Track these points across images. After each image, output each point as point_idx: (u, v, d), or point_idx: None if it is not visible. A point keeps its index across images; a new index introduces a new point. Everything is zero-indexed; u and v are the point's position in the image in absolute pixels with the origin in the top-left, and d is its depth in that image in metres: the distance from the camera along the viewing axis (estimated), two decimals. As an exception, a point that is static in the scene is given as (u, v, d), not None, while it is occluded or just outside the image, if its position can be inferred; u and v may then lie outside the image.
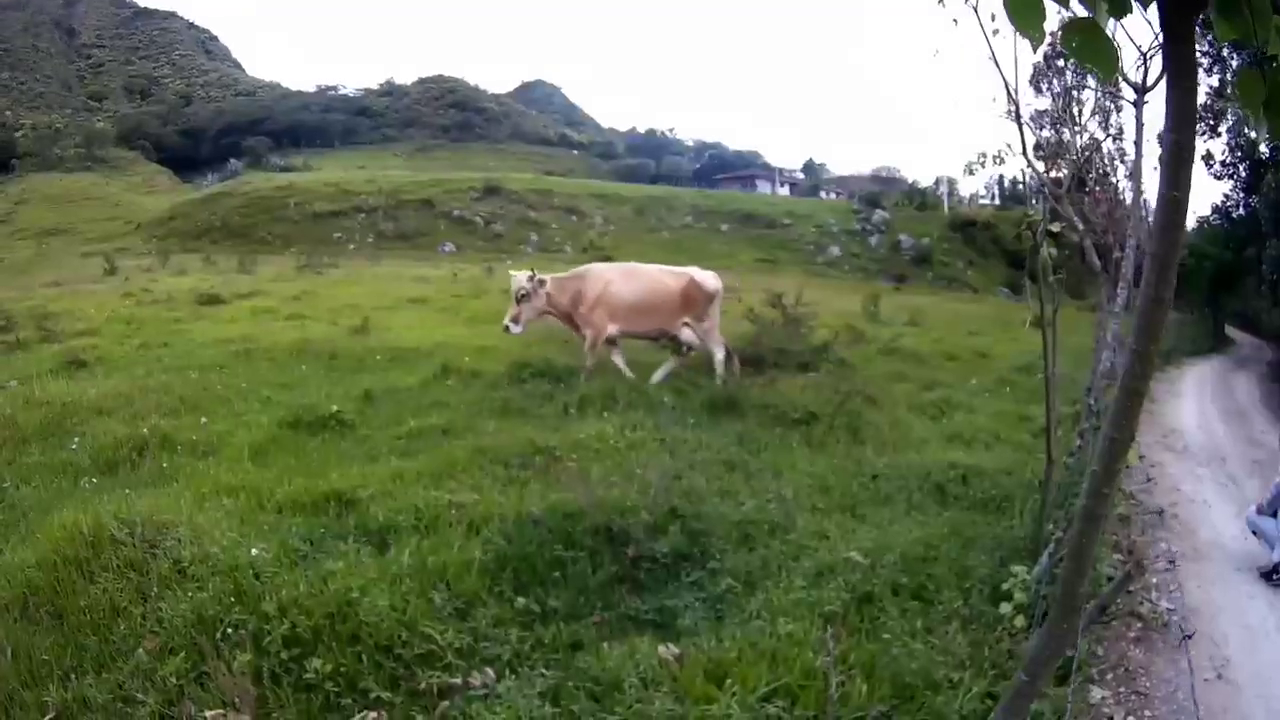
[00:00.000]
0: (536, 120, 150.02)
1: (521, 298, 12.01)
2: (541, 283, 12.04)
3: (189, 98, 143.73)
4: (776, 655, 4.69)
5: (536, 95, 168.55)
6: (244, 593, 5.12)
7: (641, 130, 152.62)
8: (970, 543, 6.13)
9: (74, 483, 8.10)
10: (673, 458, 7.57)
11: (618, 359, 12.57)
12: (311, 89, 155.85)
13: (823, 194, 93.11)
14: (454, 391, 11.41)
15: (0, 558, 6.29)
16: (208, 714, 4.32)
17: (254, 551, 5.58)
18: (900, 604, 5.24)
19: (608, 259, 52.01)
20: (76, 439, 9.32)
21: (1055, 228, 6.43)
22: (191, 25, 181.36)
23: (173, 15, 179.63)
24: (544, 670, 4.73)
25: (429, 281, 31.09)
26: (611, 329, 12.31)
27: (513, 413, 10.17)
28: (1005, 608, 5.22)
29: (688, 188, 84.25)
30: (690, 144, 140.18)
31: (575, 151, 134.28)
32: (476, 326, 18.83)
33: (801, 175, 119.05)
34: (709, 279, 12.93)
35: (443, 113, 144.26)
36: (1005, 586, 5.39)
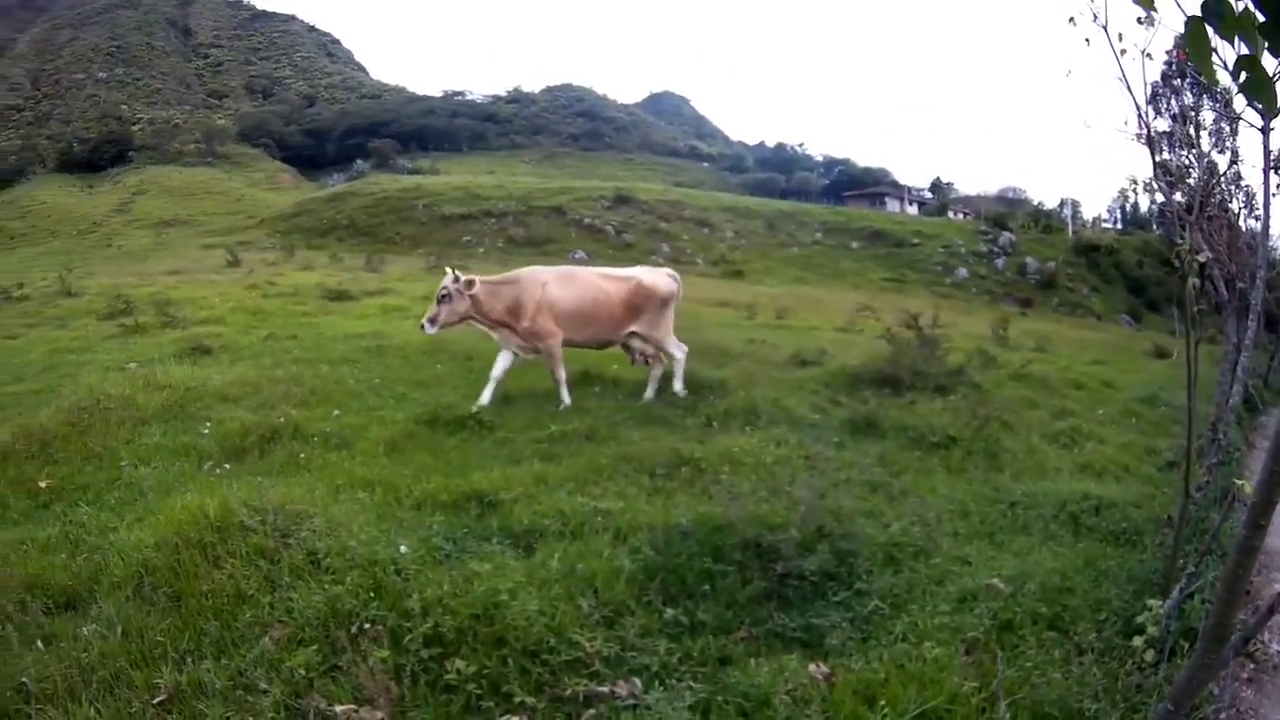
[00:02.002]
0: (665, 131, 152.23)
1: (442, 298, 11.57)
2: (470, 284, 11.56)
3: (312, 99, 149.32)
4: (924, 678, 4.66)
5: (665, 106, 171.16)
6: (384, 588, 5.19)
7: (770, 144, 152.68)
8: (1104, 575, 6.03)
9: (197, 466, 8.42)
10: (819, 476, 7.45)
11: (498, 370, 11.87)
12: (437, 94, 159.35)
13: (950, 213, 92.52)
14: (594, 397, 11.63)
15: (114, 535, 6.58)
16: (338, 708, 4.36)
17: (403, 549, 5.70)
18: (1038, 633, 5.19)
19: (739, 273, 53.24)
20: (208, 424, 9.71)
21: (1202, 257, 6.09)
22: (312, 28, 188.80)
23: (292, 18, 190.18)
24: (692, 683, 4.71)
25: None
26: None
27: (654, 422, 10.23)
28: (1137, 641, 5.14)
29: (817, 204, 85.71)
30: (819, 159, 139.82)
31: (704, 164, 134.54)
32: None
33: (929, 194, 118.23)
34: (660, 281, 12.42)
35: (571, 121, 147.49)
36: (1139, 620, 5.30)
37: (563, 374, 11.57)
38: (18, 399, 12.73)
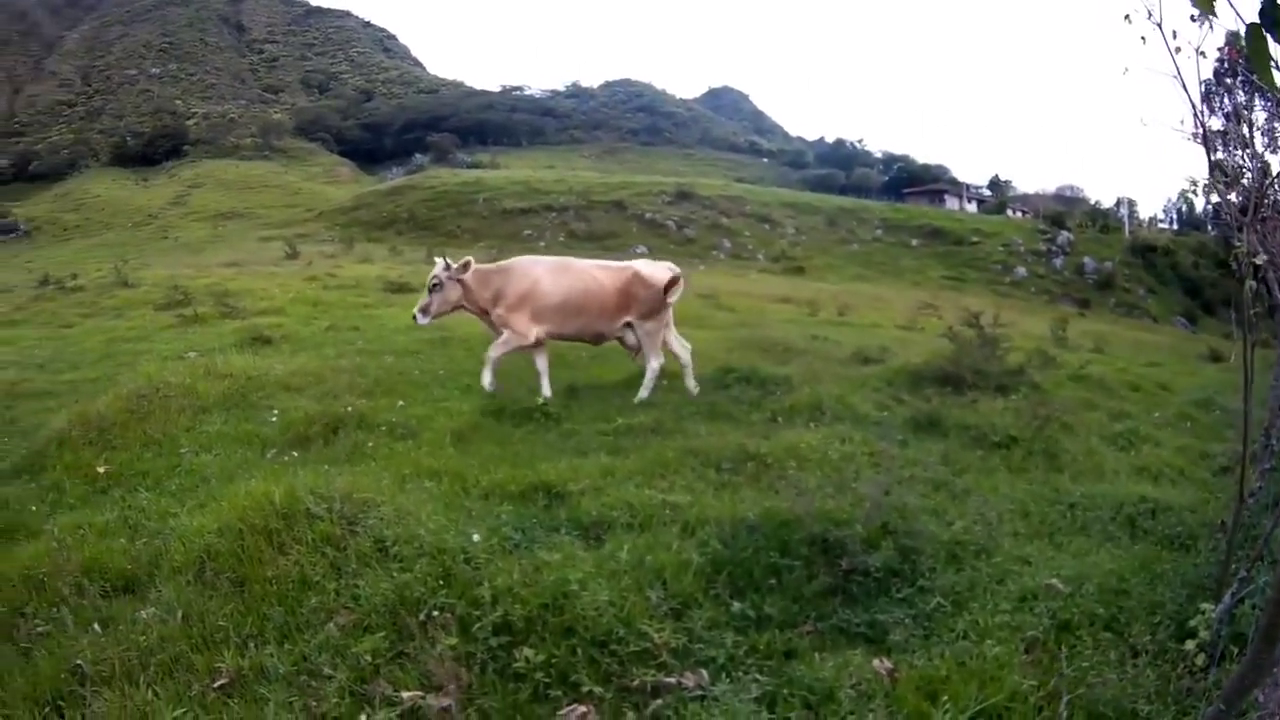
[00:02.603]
0: (725, 127, 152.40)
1: (434, 287, 11.49)
2: (465, 267, 11.46)
3: (369, 93, 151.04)
4: (984, 676, 4.71)
5: (724, 102, 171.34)
6: (453, 576, 5.28)
7: (829, 140, 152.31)
8: (1159, 578, 5.96)
9: (260, 454, 8.59)
10: (884, 473, 7.49)
11: (541, 364, 11.76)
12: (495, 89, 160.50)
13: (1009, 211, 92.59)
14: (659, 391, 11.67)
15: (175, 520, 6.71)
16: (404, 695, 4.42)
17: (475, 537, 5.80)
18: (1095, 634, 5.19)
19: (799, 270, 53.31)
20: (275, 412, 9.90)
21: (1259, 260, 5.94)
22: (367, 24, 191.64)
23: (347, 14, 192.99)
24: (758, 675, 4.76)
25: None
26: (538, 331, 11.61)
27: (720, 416, 10.32)
28: (1189, 644, 5.10)
29: (877, 200, 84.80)
30: (879, 155, 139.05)
31: (764, 160, 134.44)
32: (674, 328, 18.75)
33: (988, 191, 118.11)
34: (658, 274, 12.09)
35: (630, 116, 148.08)
36: (1191, 623, 5.25)
37: (498, 355, 11.40)
38: (74, 386, 13.12)
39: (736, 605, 5.40)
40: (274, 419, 9.64)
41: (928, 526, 6.44)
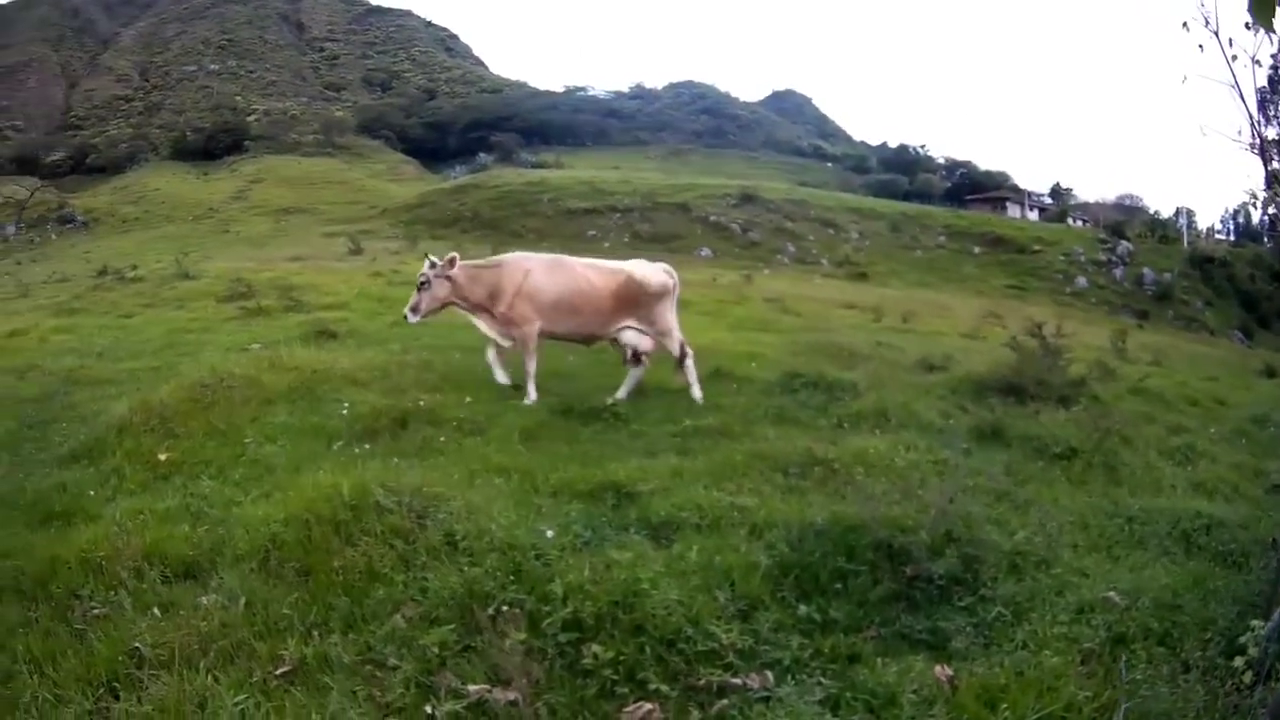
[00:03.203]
0: (789, 130, 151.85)
1: (421, 285, 11.54)
2: (450, 263, 11.47)
3: (432, 92, 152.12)
4: (1042, 685, 4.74)
5: (787, 105, 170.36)
6: (524, 572, 5.36)
7: (892, 145, 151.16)
8: (1211, 594, 5.98)
9: (326, 446, 8.73)
10: (948, 482, 7.41)
11: (493, 355, 11.78)
12: (559, 89, 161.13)
13: (1069, 220, 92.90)
14: (726, 395, 11.79)
15: (238, 509, 6.90)
16: (471, 688, 4.46)
17: (549, 534, 5.92)
18: (1148, 648, 5.22)
19: (863, 275, 53.37)
20: (345, 405, 10.09)
21: None
22: (429, 23, 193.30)
23: (408, 13, 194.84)
24: (822, 678, 4.80)
25: (687, 284, 30.73)
26: (539, 325, 11.62)
27: (787, 421, 10.41)
28: (1238, 661, 5.08)
29: (940, 206, 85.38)
30: (941, 161, 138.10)
31: (828, 164, 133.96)
32: (740, 332, 20.09)
33: (1049, 199, 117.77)
34: (653, 275, 12.02)
35: (695, 118, 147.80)
36: (1241, 640, 5.22)
37: (534, 367, 11.45)
38: (134, 375, 13.35)
39: (802, 608, 5.46)
40: (344, 411, 9.84)
41: (990, 536, 6.49)
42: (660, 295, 11.87)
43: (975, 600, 5.74)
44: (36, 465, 9.01)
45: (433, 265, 11.51)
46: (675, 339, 11.89)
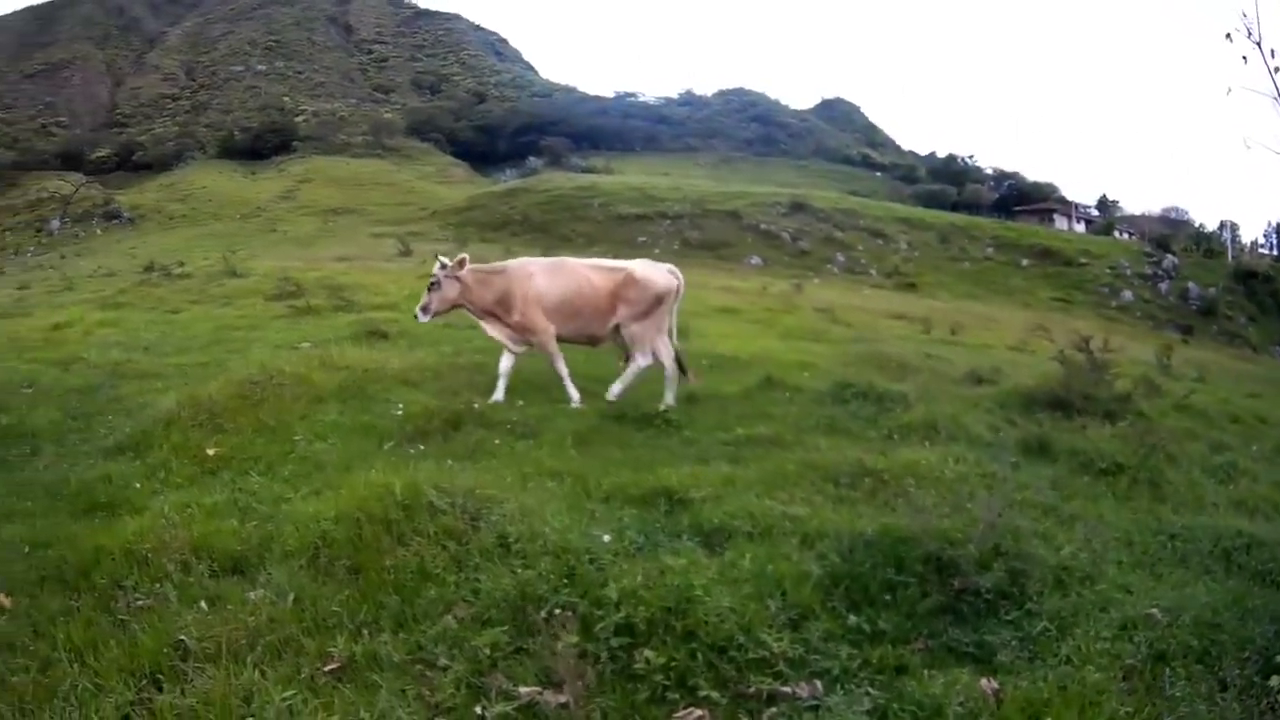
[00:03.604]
0: (838, 139, 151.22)
1: (432, 285, 11.64)
2: (460, 264, 11.55)
3: (482, 96, 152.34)
4: (1085, 700, 4.77)
5: (836, 113, 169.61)
6: (577, 575, 5.40)
7: (940, 155, 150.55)
8: (1250, 613, 5.93)
9: (377, 445, 8.91)
10: (997, 495, 7.37)
11: (505, 365, 11.70)
12: (608, 94, 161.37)
13: (1116, 233, 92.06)
14: (778, 404, 11.84)
15: (287, 505, 7.01)
16: (522, 689, 4.51)
17: (605, 538, 5.98)
18: (1188, 665, 5.23)
19: (911, 286, 53.48)
20: (401, 405, 10.29)
21: None
22: (478, 27, 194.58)
23: (456, 17, 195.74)
24: (870, 689, 4.83)
25: (737, 292, 32.71)
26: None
27: (838, 431, 10.48)
28: (1274, 680, 5.13)
29: (988, 217, 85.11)
30: (989, 172, 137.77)
31: (877, 173, 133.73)
32: (791, 341, 20.37)
33: (1096, 211, 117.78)
34: (656, 275, 11.93)
35: (745, 125, 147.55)
36: (1278, 659, 5.30)
37: (564, 368, 11.56)
38: (181, 370, 13.61)
39: (852, 619, 5.48)
40: (399, 411, 10.03)
41: (1037, 551, 6.50)
42: (662, 296, 11.85)
43: (1021, 614, 5.76)
44: (81, 456, 9.17)
45: (443, 266, 11.64)
46: (646, 342, 11.75)
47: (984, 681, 4.91)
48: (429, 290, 11.68)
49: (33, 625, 5.38)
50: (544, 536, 5.77)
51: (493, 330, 11.76)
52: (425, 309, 11.68)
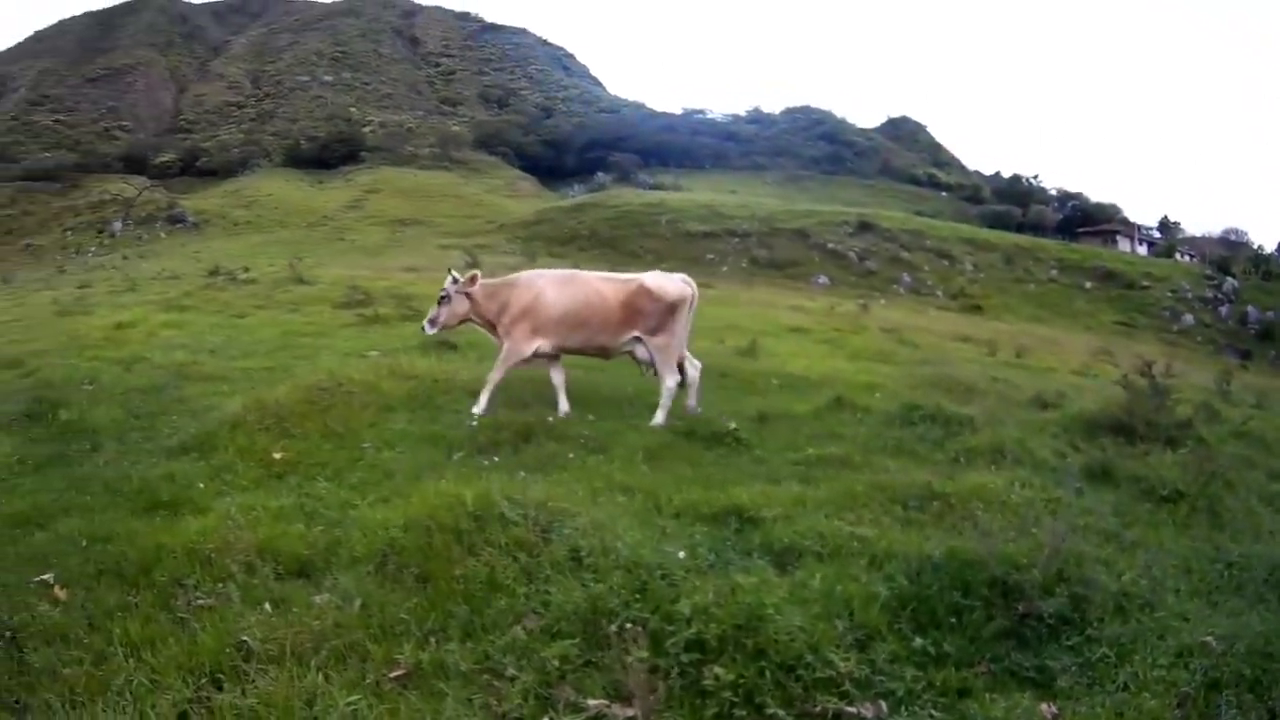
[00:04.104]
0: (905, 158, 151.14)
1: (441, 299, 11.71)
2: (472, 280, 11.64)
3: (550, 110, 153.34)
4: None
5: (902, 132, 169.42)
6: (649, 591, 5.42)
7: (1005, 175, 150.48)
8: None
9: (445, 455, 9.00)
10: (1061, 520, 7.41)
11: (557, 378, 11.76)
12: (676, 110, 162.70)
13: (1177, 255, 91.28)
14: (847, 424, 11.84)
15: (355, 511, 7.15)
16: (590, 702, 4.55)
17: (681, 554, 5.99)
18: (1239, 694, 5.19)
19: (977, 308, 53.21)
20: (475, 416, 10.52)
21: None
22: (545, 42, 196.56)
23: (523, 31, 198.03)
24: (934, 711, 4.88)
25: (805, 311, 32.93)
26: (541, 344, 11.53)
27: (906, 453, 10.48)
28: None
29: (1052, 239, 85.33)
30: (1053, 193, 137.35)
31: (943, 193, 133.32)
32: (859, 361, 20.42)
33: (1158, 233, 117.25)
34: (669, 287, 11.83)
35: (812, 144, 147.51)
36: None
37: (498, 378, 11.41)
38: (247, 374, 13.84)
39: (918, 641, 5.50)
40: (474, 423, 10.23)
41: (1099, 577, 6.49)
42: (675, 306, 11.79)
43: (1082, 640, 5.77)
44: (143, 454, 9.31)
45: (455, 281, 11.75)
46: (669, 357, 11.70)
47: (1044, 706, 4.96)
48: (438, 303, 11.80)
49: (88, 618, 5.47)
50: (616, 551, 5.80)
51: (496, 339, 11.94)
52: (433, 321, 11.81)
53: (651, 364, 11.85)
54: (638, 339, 11.71)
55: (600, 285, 11.88)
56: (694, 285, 12.23)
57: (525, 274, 12.39)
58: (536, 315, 11.54)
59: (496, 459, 8.81)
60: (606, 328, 11.70)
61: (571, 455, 9.08)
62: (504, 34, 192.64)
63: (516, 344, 11.49)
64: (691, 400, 11.85)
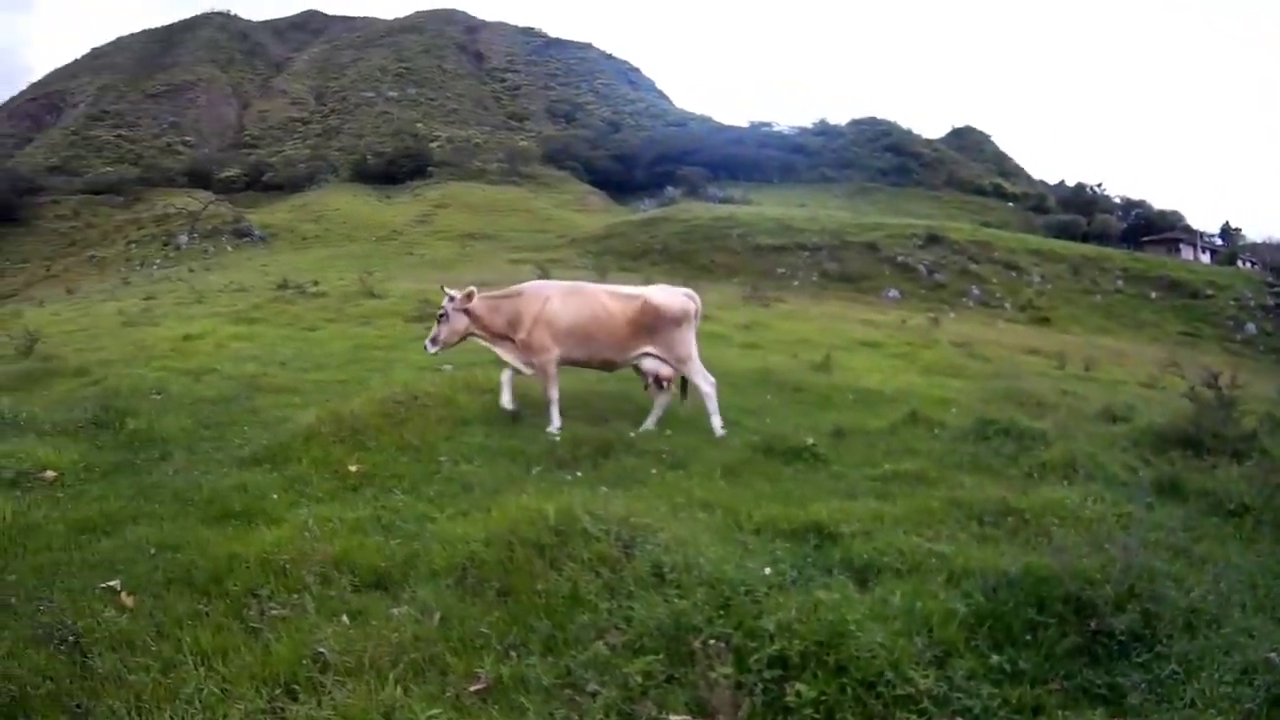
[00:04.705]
0: (971, 168, 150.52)
1: (440, 318, 11.89)
2: (468, 297, 11.77)
3: (617, 124, 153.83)
4: None
5: (967, 142, 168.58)
6: (731, 607, 5.44)
7: (1069, 184, 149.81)
8: None
9: (524, 470, 9.10)
10: (1132, 535, 7.21)
11: (506, 378, 11.78)
12: (743, 124, 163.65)
13: (1239, 262, 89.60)
14: (922, 439, 11.83)
15: (433, 524, 7.21)
16: (672, 717, 4.57)
17: (766, 570, 6.01)
18: None
19: (1045, 320, 53.33)
20: (557, 430, 10.72)
21: None
22: (609, 56, 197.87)
23: (588, 46, 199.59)
24: None
25: (877, 325, 33.06)
26: (558, 352, 11.66)
27: (981, 468, 10.40)
28: None
29: (1117, 248, 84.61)
30: (1117, 201, 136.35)
31: (1009, 203, 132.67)
32: (932, 376, 20.60)
33: (1219, 240, 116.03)
34: (673, 301, 11.95)
35: (879, 155, 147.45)
36: None
37: (555, 394, 11.56)
38: (319, 386, 14.09)
39: (994, 658, 5.51)
40: (557, 438, 10.44)
41: (1169, 592, 6.43)
42: (679, 320, 11.90)
43: (1151, 657, 5.73)
44: (214, 464, 9.42)
45: (451, 299, 11.89)
46: (695, 366, 11.88)
47: None
48: (437, 322, 12.00)
49: (156, 626, 5.52)
50: (699, 567, 5.81)
51: (506, 354, 11.96)
52: (434, 340, 12.00)
53: (657, 379, 11.96)
54: (647, 354, 11.85)
55: (607, 301, 12.02)
56: (697, 299, 12.38)
57: (530, 284, 12.61)
58: (550, 323, 11.68)
59: (579, 474, 8.86)
60: (614, 343, 11.87)
61: (654, 471, 9.11)
62: (569, 48, 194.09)
63: (544, 351, 11.62)
64: (716, 422, 11.68)
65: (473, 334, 12.00)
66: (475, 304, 11.84)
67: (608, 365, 12.30)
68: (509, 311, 11.88)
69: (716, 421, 11.45)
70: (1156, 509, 9.08)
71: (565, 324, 11.73)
